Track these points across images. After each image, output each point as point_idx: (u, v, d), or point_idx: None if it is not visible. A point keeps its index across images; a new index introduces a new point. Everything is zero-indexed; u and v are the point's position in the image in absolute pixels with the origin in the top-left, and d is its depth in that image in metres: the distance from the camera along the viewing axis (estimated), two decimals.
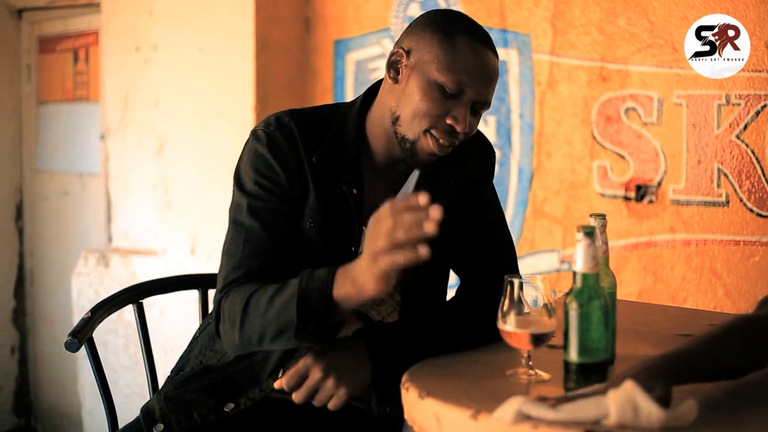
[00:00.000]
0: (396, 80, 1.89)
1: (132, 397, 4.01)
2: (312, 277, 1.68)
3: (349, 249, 1.93)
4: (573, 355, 1.54)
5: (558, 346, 1.63)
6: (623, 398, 1.37)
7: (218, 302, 1.85)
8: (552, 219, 3.28)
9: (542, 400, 1.43)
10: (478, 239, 2.04)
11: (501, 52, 3.34)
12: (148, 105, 4.12)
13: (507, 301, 1.64)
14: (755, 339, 1.64)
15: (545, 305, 1.64)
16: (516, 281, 1.64)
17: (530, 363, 1.65)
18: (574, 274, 1.54)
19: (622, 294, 3.07)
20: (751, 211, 2.87)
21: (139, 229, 4.24)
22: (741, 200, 2.89)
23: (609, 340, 1.61)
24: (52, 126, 4.92)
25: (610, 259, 3.09)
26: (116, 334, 4.15)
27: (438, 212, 1.48)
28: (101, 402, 2.26)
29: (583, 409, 1.39)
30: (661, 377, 1.44)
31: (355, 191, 1.91)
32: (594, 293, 1.53)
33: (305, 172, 1.89)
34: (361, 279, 1.60)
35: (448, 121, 1.85)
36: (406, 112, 1.86)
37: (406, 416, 1.63)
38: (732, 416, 1.49)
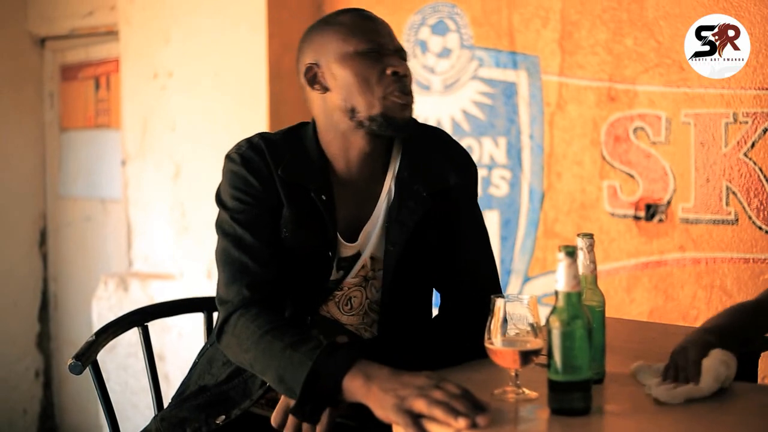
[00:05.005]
0: (325, 88, 1.98)
1: None
2: (331, 357, 1.68)
3: (326, 254, 1.97)
4: (557, 374, 1.55)
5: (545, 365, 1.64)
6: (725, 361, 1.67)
7: (231, 312, 1.88)
8: (563, 239, 3.29)
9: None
10: (459, 256, 2.05)
11: (510, 74, 3.37)
12: (165, 131, 4.18)
13: (494, 320, 1.65)
14: (755, 316, 1.98)
15: (531, 324, 1.64)
16: (502, 300, 1.65)
17: (518, 382, 1.66)
18: (557, 293, 1.55)
19: (633, 314, 3.09)
20: (760, 228, 2.87)
21: (157, 254, 4.29)
22: (750, 218, 2.89)
23: (593, 358, 1.62)
24: (74, 153, 4.99)
25: (621, 279, 3.14)
26: (137, 358, 4.18)
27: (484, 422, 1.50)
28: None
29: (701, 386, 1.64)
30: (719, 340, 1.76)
31: (323, 197, 1.96)
32: (577, 312, 1.54)
33: (276, 185, 1.95)
34: (375, 387, 1.61)
35: (389, 71, 1.94)
36: (353, 95, 1.94)
37: None
38: None
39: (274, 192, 1.95)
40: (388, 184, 2.03)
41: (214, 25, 3.99)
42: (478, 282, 2.01)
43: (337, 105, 1.97)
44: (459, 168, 2.08)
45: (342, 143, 2.00)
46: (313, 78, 1.99)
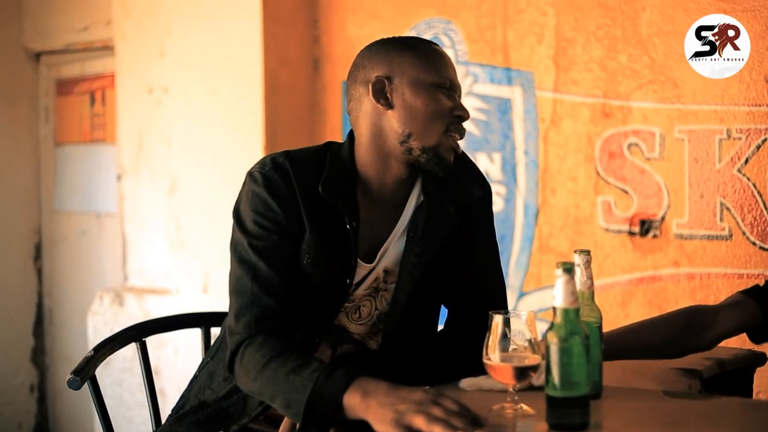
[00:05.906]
0: (390, 105, 1.94)
1: None
2: (330, 377, 1.69)
3: (344, 281, 1.96)
4: (555, 390, 1.56)
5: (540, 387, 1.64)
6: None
7: (238, 344, 1.88)
8: (558, 254, 3.30)
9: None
10: (472, 271, 2.06)
11: (505, 90, 3.39)
12: (161, 146, 4.19)
13: (492, 336, 1.66)
14: (691, 326, 2.08)
15: (529, 340, 1.66)
16: (501, 317, 1.66)
17: (516, 398, 1.67)
18: (554, 309, 1.57)
19: None
20: (754, 244, 2.89)
21: (153, 268, 4.29)
22: (744, 234, 2.90)
23: (591, 374, 1.63)
24: (69, 167, 5.00)
25: (616, 294, 3.15)
26: (132, 372, 4.19)
27: None
28: None
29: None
30: None
31: (354, 224, 1.95)
32: (574, 328, 1.55)
33: (300, 209, 1.93)
34: (373, 402, 1.62)
35: (456, 113, 1.95)
36: (417, 123, 1.93)
37: None
38: None
39: (296, 217, 1.92)
40: (413, 200, 2.02)
41: (210, 40, 4.00)
42: (488, 298, 2.01)
43: (393, 126, 1.94)
44: (475, 179, 2.09)
45: (381, 166, 1.98)
46: (380, 91, 1.95)
